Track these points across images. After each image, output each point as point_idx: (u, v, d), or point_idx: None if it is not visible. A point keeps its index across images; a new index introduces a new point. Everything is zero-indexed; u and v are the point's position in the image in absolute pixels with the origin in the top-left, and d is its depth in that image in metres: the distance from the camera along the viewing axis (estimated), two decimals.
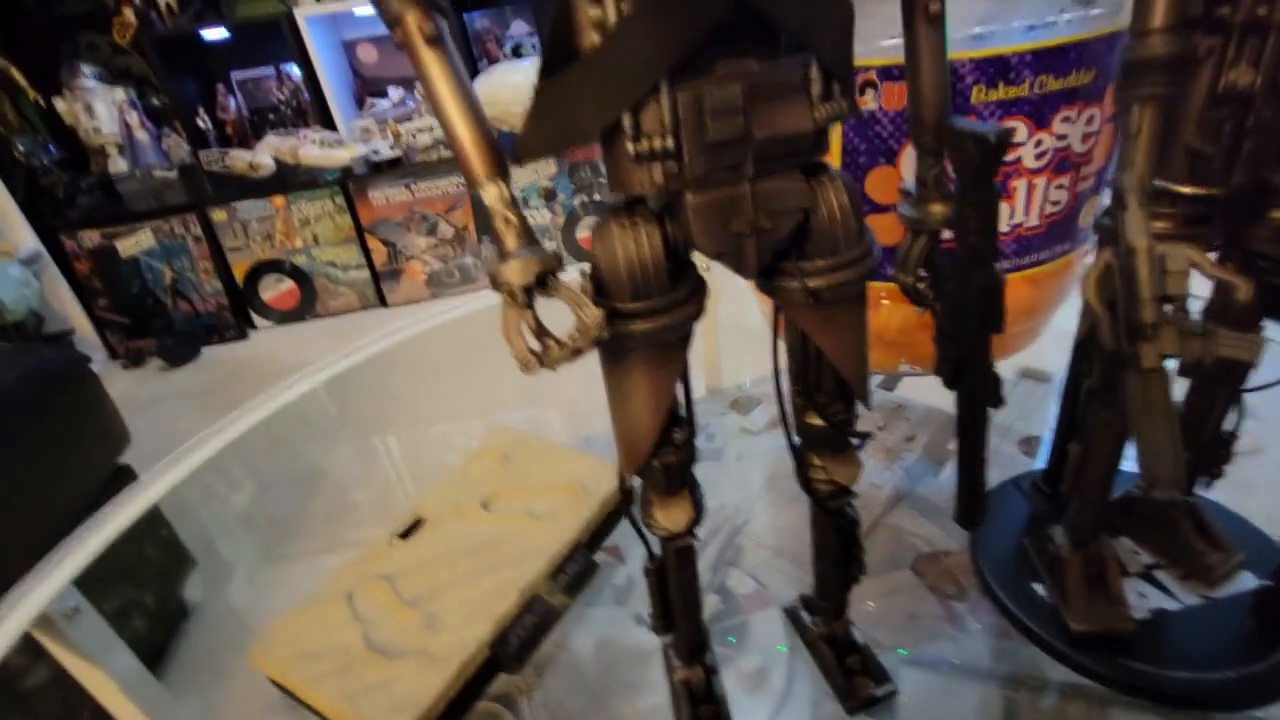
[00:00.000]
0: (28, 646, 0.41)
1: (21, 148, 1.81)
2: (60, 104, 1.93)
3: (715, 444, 0.53)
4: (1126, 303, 0.17)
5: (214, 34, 2.06)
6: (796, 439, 0.23)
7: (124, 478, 0.92)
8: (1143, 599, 0.31)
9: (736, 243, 0.17)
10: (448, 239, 1.98)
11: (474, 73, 2.17)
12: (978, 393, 0.21)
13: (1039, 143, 0.36)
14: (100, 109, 1.93)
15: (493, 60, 2.25)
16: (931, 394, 0.51)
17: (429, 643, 0.32)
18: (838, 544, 0.25)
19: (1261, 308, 0.25)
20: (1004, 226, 0.40)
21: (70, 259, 1.85)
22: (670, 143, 0.15)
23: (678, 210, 0.17)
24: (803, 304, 0.19)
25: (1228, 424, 0.28)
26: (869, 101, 0.37)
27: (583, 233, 1.90)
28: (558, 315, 0.16)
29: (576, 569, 0.36)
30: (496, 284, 0.15)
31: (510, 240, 0.15)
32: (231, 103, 2.14)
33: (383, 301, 2.02)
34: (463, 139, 0.15)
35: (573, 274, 0.17)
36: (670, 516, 0.22)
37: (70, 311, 1.85)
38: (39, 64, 1.96)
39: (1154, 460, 0.18)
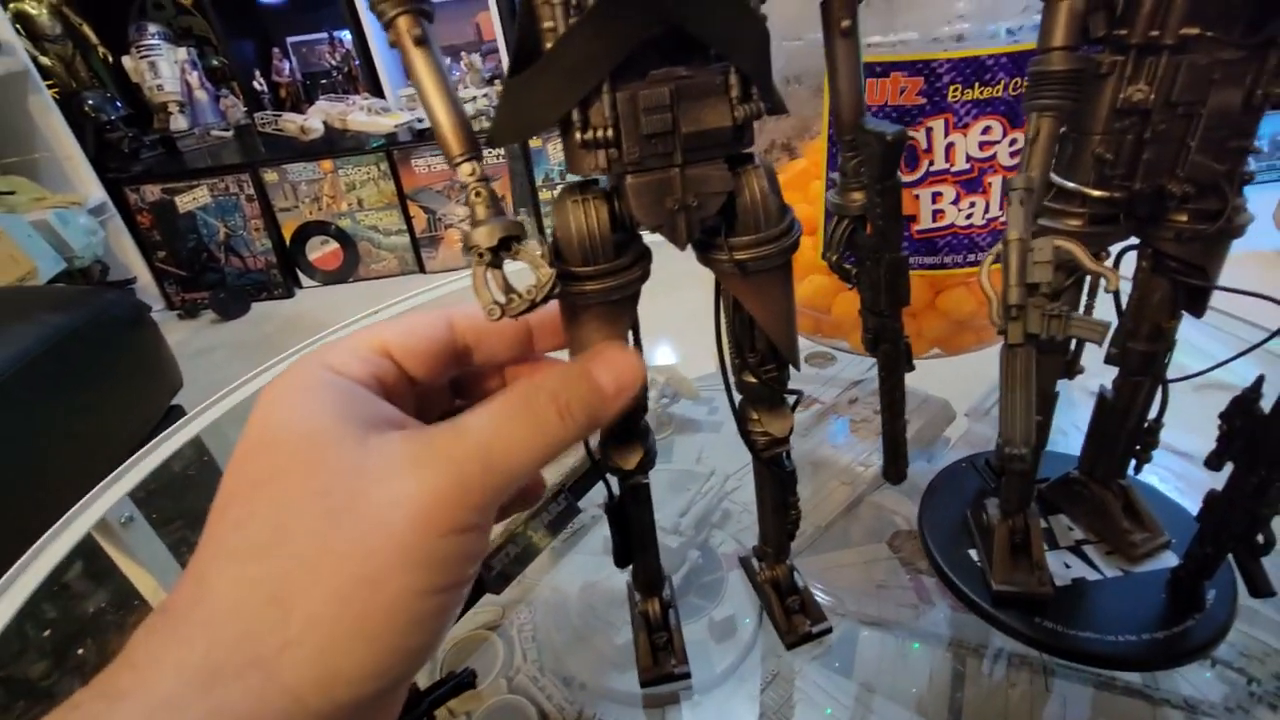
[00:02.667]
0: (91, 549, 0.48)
1: (92, 102, 1.91)
2: (128, 61, 2.02)
3: (717, 417, 0.56)
4: (1001, 286, 0.20)
5: None
6: (738, 398, 0.27)
7: (175, 418, 1.00)
8: (1067, 569, 0.34)
9: (670, 217, 0.20)
10: None
11: None
12: (893, 358, 0.25)
13: (1013, 141, 0.38)
14: (164, 67, 2.02)
15: None
16: (926, 382, 0.53)
17: None
18: (775, 494, 0.29)
19: (1175, 300, 0.27)
20: (980, 220, 0.42)
21: (133, 211, 1.96)
22: (611, 133, 0.19)
23: (621, 189, 0.20)
24: (733, 274, 0.22)
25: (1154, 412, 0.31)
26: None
27: None
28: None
29: (558, 511, 0.40)
30: (468, 246, 0.19)
31: (480, 210, 0.19)
32: (286, 66, 2.21)
33: (421, 267, 2.09)
34: (443, 124, 0.19)
35: (533, 243, 0.20)
36: (624, 457, 0.26)
37: (132, 261, 1.97)
38: (108, 21, 2.06)
39: (1009, 423, 0.21)
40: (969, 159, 0.40)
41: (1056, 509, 0.36)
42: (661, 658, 0.32)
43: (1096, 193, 0.24)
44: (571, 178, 0.21)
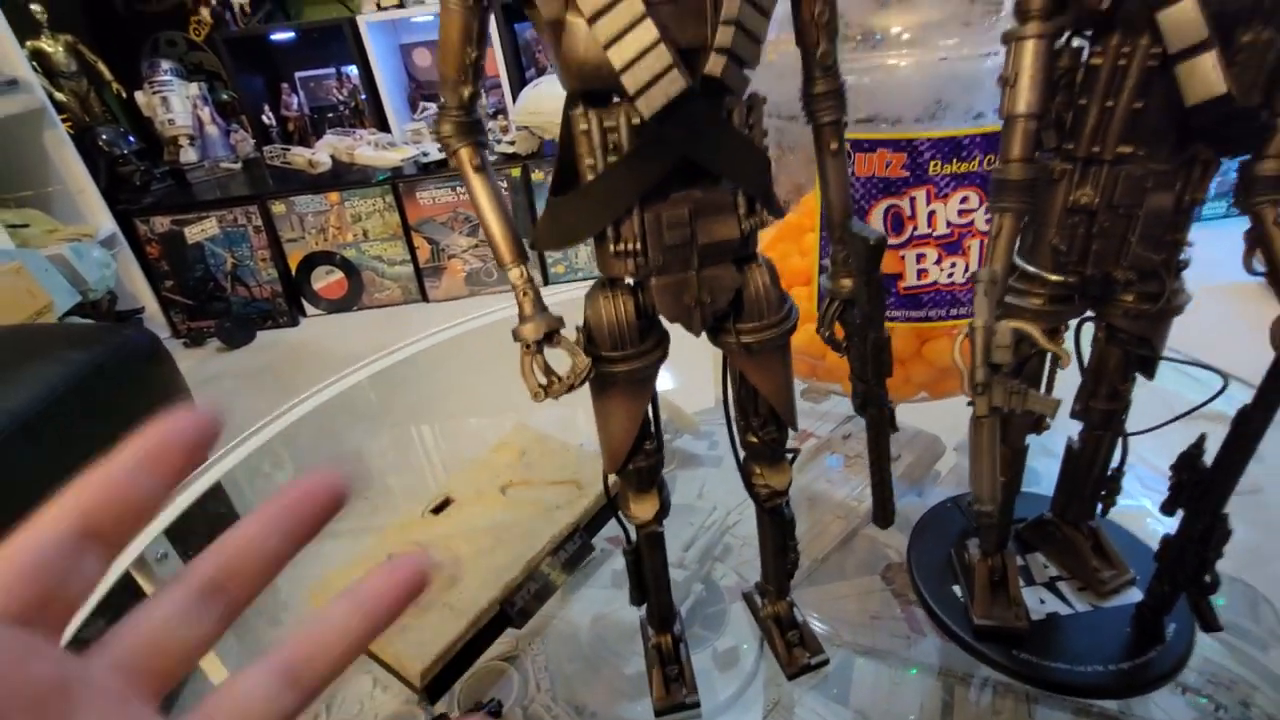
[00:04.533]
0: (127, 585, 0.50)
1: (105, 137, 1.96)
2: (140, 97, 2.08)
3: (717, 452, 0.59)
4: (969, 366, 0.24)
5: (281, 35, 2.20)
6: (743, 453, 0.30)
7: None
8: (1042, 604, 0.37)
9: (688, 312, 0.24)
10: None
11: (522, 80, 2.26)
12: (879, 421, 0.28)
13: (988, 209, 0.42)
14: (175, 102, 2.08)
15: (540, 70, 2.34)
16: (922, 418, 0.56)
17: (451, 598, 0.39)
18: (776, 538, 0.32)
19: (1128, 366, 0.31)
20: (961, 278, 0.46)
21: (142, 242, 1.99)
22: (639, 245, 0.22)
23: (646, 287, 0.24)
24: (739, 353, 0.26)
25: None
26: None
27: None
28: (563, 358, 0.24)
29: (574, 549, 0.43)
30: (517, 338, 0.22)
31: (528, 307, 0.23)
32: (294, 101, 2.27)
33: (424, 296, 2.12)
34: (496, 236, 0.22)
35: (571, 330, 0.24)
36: (641, 508, 0.29)
37: (140, 291, 2.00)
38: (122, 58, 2.12)
39: (976, 484, 0.24)
40: (949, 225, 0.44)
41: (1033, 548, 0.39)
42: (674, 689, 0.35)
43: (1054, 277, 0.28)
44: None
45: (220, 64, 2.25)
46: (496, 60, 2.17)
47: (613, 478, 0.28)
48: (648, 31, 0.18)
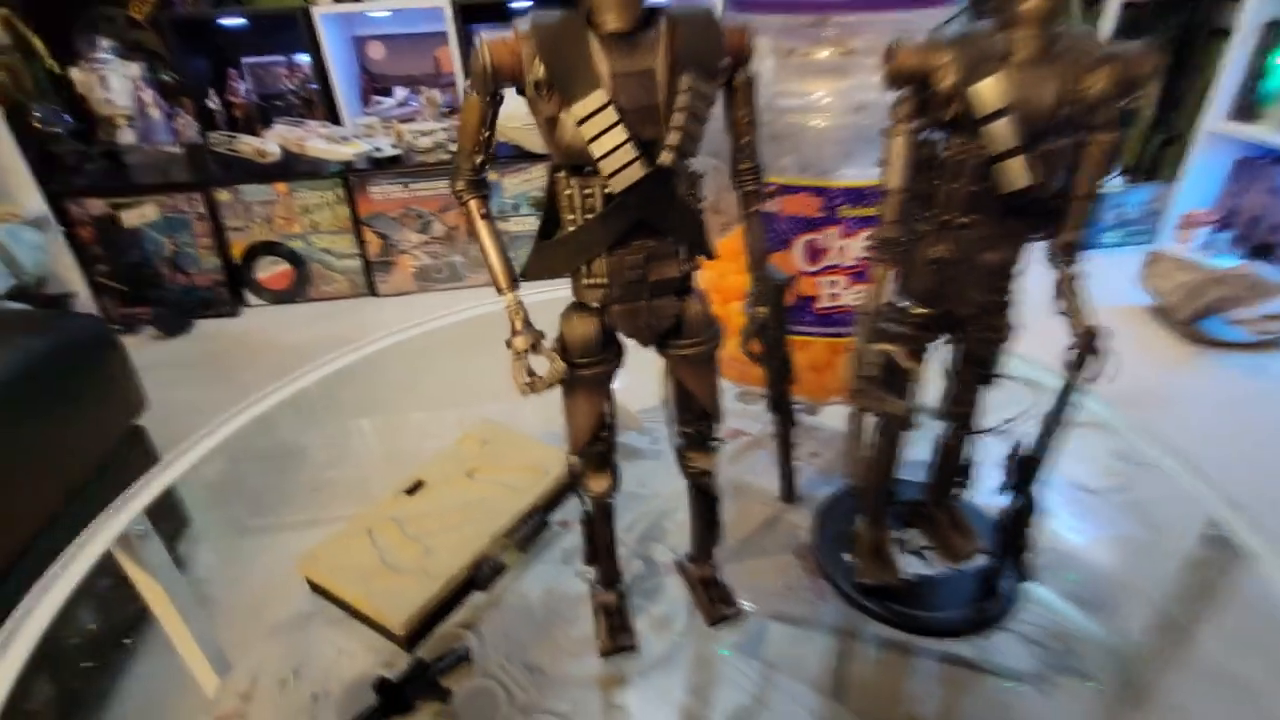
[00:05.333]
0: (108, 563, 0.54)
1: (39, 114, 1.89)
2: (76, 74, 2.01)
3: (658, 446, 0.67)
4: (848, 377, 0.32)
5: (231, 20, 2.16)
6: (679, 441, 0.38)
7: (138, 439, 1.03)
8: (913, 566, 0.46)
9: (639, 330, 0.31)
10: (439, 236, 2.10)
11: None
12: (784, 418, 0.36)
13: (870, 259, 0.52)
14: (114, 82, 2.01)
15: None
16: (838, 419, 0.65)
17: (426, 565, 0.45)
18: (704, 512, 0.40)
19: (974, 380, 0.40)
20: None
21: (74, 224, 1.93)
22: (605, 280, 0.29)
23: (609, 311, 0.31)
24: (678, 362, 0.33)
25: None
26: (773, 206, 0.52)
27: None
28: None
29: (533, 526, 0.50)
30: (509, 347, 0.29)
31: (518, 324, 0.29)
32: (242, 87, 2.23)
33: (373, 291, 2.13)
34: (496, 268, 0.29)
35: (550, 340, 0.31)
36: (598, 483, 0.36)
37: (70, 275, 1.93)
38: (56, 33, 2.04)
39: (849, 465, 0.32)
40: (857, 258, 0.53)
41: (909, 524, 0.48)
42: (616, 636, 0.42)
43: (918, 310, 0.37)
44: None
45: (161, 43, 2.19)
46: (452, 59, 2.20)
47: (575, 458, 0.35)
48: (620, 133, 0.25)
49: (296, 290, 2.10)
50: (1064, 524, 0.56)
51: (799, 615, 0.47)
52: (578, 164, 0.27)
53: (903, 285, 0.37)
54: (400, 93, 2.34)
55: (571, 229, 0.28)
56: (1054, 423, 0.36)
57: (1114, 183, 2.25)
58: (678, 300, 0.31)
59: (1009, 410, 0.44)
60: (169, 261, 2.01)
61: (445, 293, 2.15)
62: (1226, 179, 2.18)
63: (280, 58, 2.27)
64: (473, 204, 0.29)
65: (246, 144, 1.99)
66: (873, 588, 0.44)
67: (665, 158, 0.26)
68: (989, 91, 0.30)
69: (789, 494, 0.39)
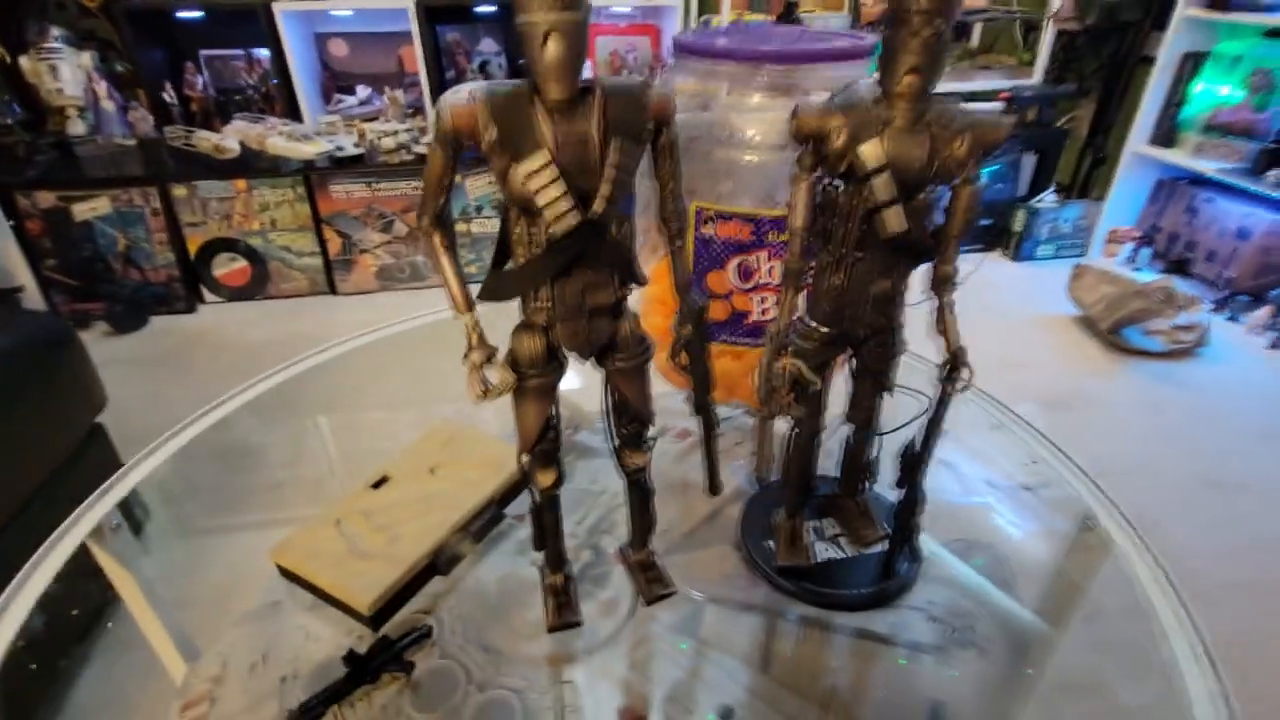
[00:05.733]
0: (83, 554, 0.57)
1: None
2: (25, 62, 1.96)
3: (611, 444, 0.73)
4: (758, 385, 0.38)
5: (188, 13, 2.13)
6: (616, 441, 0.43)
7: (99, 437, 1.04)
8: (826, 551, 0.52)
9: (580, 345, 0.37)
10: (401, 236, 2.12)
11: (441, 80, 2.31)
12: (706, 419, 0.42)
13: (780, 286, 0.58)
14: (65, 71, 1.98)
15: (460, 72, 2.40)
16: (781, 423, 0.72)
17: (391, 551, 0.50)
18: (639, 503, 0.46)
19: (874, 388, 0.46)
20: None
21: (22, 217, 1.89)
22: (550, 304, 0.35)
23: (553, 329, 0.36)
24: (614, 373, 0.39)
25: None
26: (709, 230, 0.58)
27: None
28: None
29: (489, 516, 0.55)
30: (466, 360, 0.34)
31: (475, 341, 0.35)
32: (199, 81, 2.20)
33: (333, 289, 2.13)
34: (455, 294, 0.34)
35: (502, 354, 0.36)
36: (545, 477, 0.42)
37: (17, 268, 1.89)
38: (4, 19, 1.99)
39: (758, 465, 0.38)
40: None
41: (825, 514, 0.55)
42: (563, 613, 0.47)
43: (822, 329, 0.43)
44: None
45: (115, 33, 2.15)
46: (417, 60, 2.21)
47: (525, 456, 0.41)
48: (559, 188, 0.30)
49: (255, 287, 2.10)
50: (987, 514, 0.64)
51: (733, 598, 0.53)
52: (526, 209, 0.32)
53: (810, 308, 0.44)
54: (363, 91, 2.35)
55: (521, 261, 0.34)
56: (934, 426, 0.43)
57: (1048, 200, 2.39)
58: (612, 321, 0.37)
59: (906, 415, 0.51)
60: (122, 257, 1.98)
61: (406, 292, 2.17)
62: (1148, 199, 2.34)
63: (239, 51, 2.25)
64: (436, 238, 0.34)
65: (205, 139, 1.98)
66: (788, 569, 0.50)
67: (598, 206, 0.32)
68: (870, 152, 0.37)
69: (714, 487, 0.45)
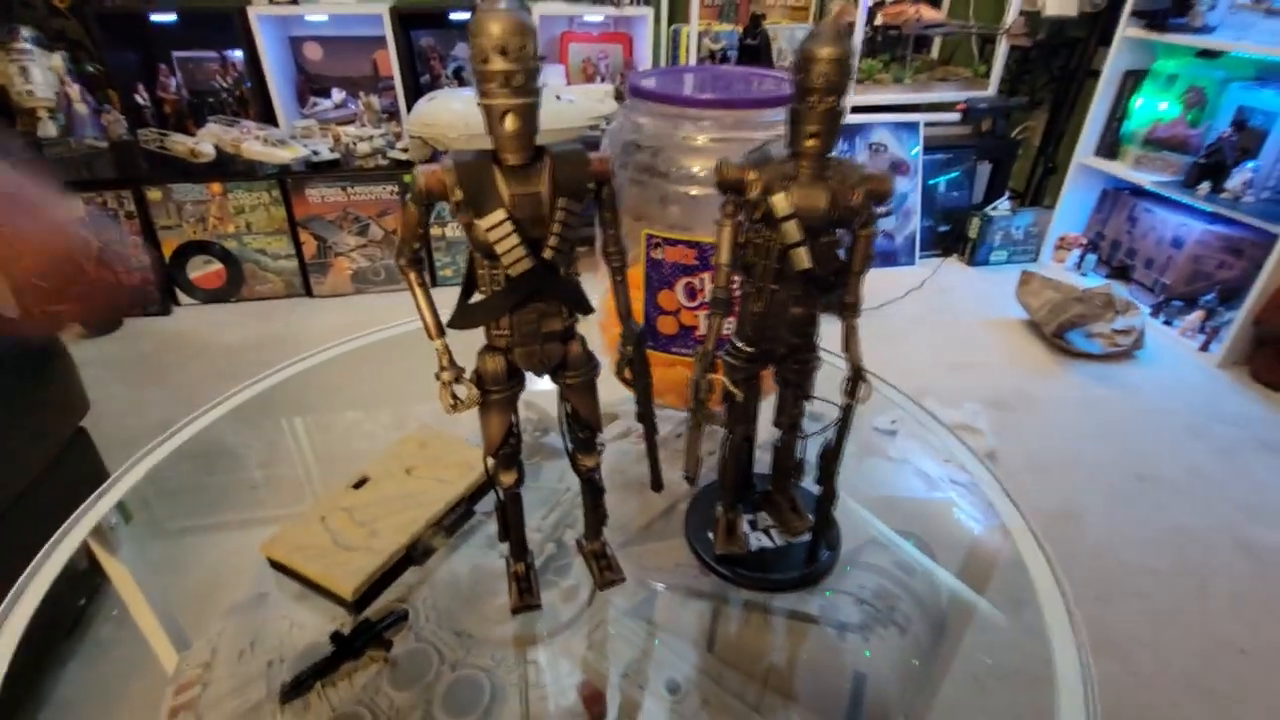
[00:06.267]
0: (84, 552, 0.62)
1: None
2: None
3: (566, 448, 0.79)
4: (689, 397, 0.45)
5: (161, 16, 2.14)
6: (571, 446, 0.50)
7: (83, 442, 1.08)
8: (759, 541, 0.60)
9: (534, 365, 0.43)
10: (377, 240, 2.15)
11: (416, 84, 2.35)
12: (648, 426, 0.49)
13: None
14: (36, 72, 1.98)
15: (435, 77, 2.43)
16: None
17: (371, 543, 0.56)
18: (592, 499, 0.52)
19: (795, 399, 0.54)
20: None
21: None
22: (508, 332, 0.41)
23: (511, 351, 0.43)
24: (567, 388, 0.45)
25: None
26: (659, 254, 0.65)
27: None
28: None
29: (461, 513, 0.61)
30: (438, 379, 0.41)
31: (445, 361, 0.41)
32: (173, 83, 2.21)
33: (309, 291, 2.16)
34: (428, 321, 0.41)
35: (469, 373, 0.42)
36: (507, 477, 0.48)
37: None
38: None
39: (687, 465, 0.45)
40: None
41: (759, 508, 0.62)
42: (524, 597, 0.54)
43: (747, 348, 0.50)
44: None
45: (85, 33, 2.16)
46: (392, 65, 2.25)
47: (490, 459, 0.47)
48: (514, 239, 0.37)
49: (230, 290, 2.12)
50: (922, 506, 0.72)
51: (682, 586, 0.59)
52: (488, 254, 0.39)
53: (736, 330, 0.51)
54: (338, 94, 2.37)
55: (484, 296, 0.40)
56: (843, 431, 0.50)
57: (1002, 207, 2.51)
58: (563, 344, 0.43)
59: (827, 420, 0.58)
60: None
61: (382, 295, 2.21)
62: (1094, 207, 2.47)
63: (213, 54, 2.27)
64: (412, 275, 0.40)
65: (180, 143, 1.99)
66: (725, 557, 0.57)
67: (548, 253, 0.38)
68: (780, 202, 0.44)
69: (656, 483, 0.52)
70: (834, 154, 0.45)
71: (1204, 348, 2.01)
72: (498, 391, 0.43)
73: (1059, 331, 1.96)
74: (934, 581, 0.65)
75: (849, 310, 0.48)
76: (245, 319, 2.06)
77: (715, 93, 0.68)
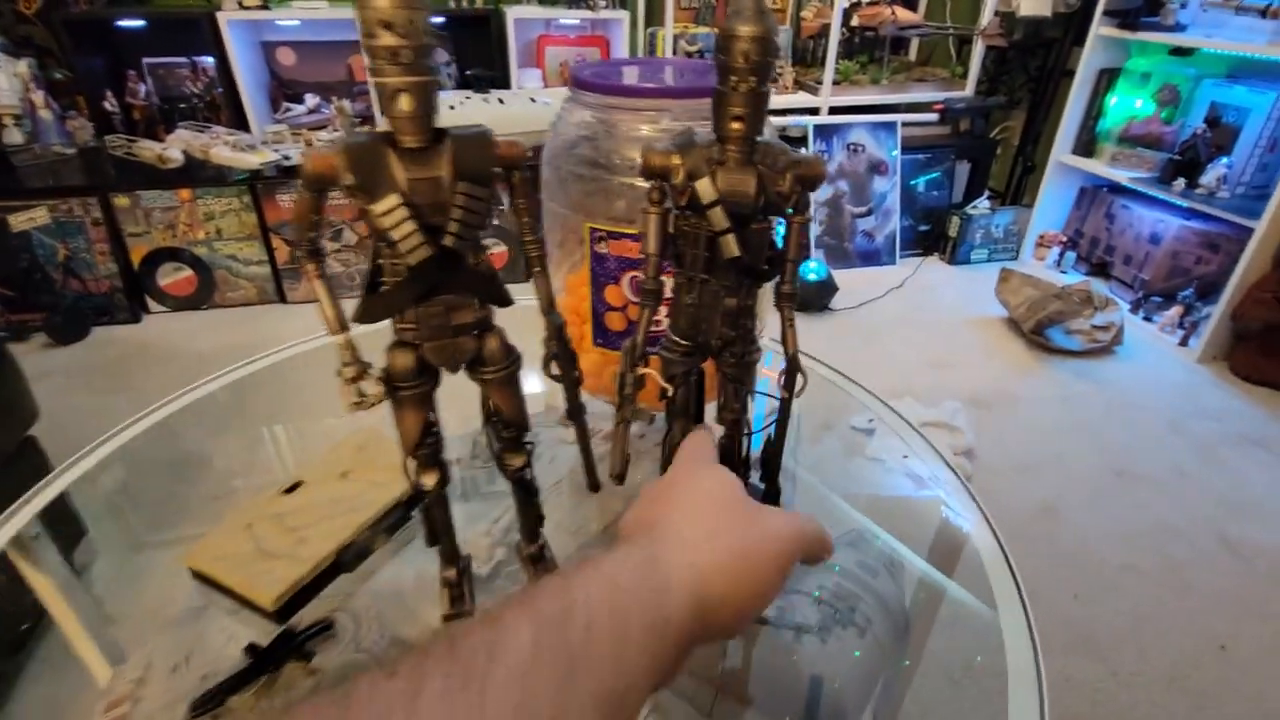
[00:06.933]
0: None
1: None
2: None
3: (538, 449, 0.77)
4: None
5: (130, 22, 2.12)
6: (497, 446, 0.48)
7: (31, 450, 1.05)
8: None
9: (446, 361, 0.41)
10: (351, 245, 2.13)
11: None
12: (578, 424, 0.47)
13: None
14: (1, 79, 1.95)
15: None
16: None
17: (298, 551, 0.54)
18: (524, 500, 0.50)
19: (737, 393, 0.52)
20: None
21: None
22: (415, 325, 0.39)
23: (421, 346, 0.41)
24: (485, 385, 0.43)
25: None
26: (603, 248, 0.63)
27: None
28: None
29: (396, 517, 0.59)
30: (339, 375, 0.38)
31: (348, 357, 0.39)
32: (142, 89, 2.19)
33: (282, 298, 2.13)
34: (330, 317, 0.38)
35: (377, 368, 0.40)
36: (428, 479, 0.46)
37: None
38: None
39: (612, 464, 0.43)
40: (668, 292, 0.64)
41: None
42: (457, 604, 0.52)
43: (681, 341, 0.48)
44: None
45: (53, 40, 2.13)
46: (365, 65, 2.23)
47: (409, 460, 0.45)
48: (410, 225, 0.35)
49: (201, 296, 2.09)
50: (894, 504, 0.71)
51: None
52: (387, 242, 0.37)
53: (671, 323, 0.49)
54: (311, 99, 2.35)
55: (387, 288, 0.38)
56: (782, 425, 0.49)
57: (982, 206, 2.51)
58: (477, 338, 0.41)
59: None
60: (62, 267, 1.96)
61: (357, 299, 2.18)
62: (1072, 205, 2.47)
63: (183, 59, 2.24)
64: (310, 267, 0.38)
65: (147, 149, 1.96)
66: None
67: (448, 240, 0.36)
68: (705, 187, 0.42)
69: (592, 484, 0.50)
70: (762, 138, 0.43)
71: (1183, 343, 2.01)
72: (409, 388, 0.41)
73: (1038, 328, 1.96)
74: (898, 580, 0.63)
75: (784, 300, 0.46)
76: (217, 326, 2.03)
77: (662, 82, 0.66)
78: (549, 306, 0.44)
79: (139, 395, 1.72)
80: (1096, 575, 1.31)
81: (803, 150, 0.44)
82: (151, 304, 2.07)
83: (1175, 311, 2.04)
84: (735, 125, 0.41)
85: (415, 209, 0.35)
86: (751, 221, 0.44)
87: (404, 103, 0.34)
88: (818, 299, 2.15)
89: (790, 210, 0.44)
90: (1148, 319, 2.13)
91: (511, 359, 0.43)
